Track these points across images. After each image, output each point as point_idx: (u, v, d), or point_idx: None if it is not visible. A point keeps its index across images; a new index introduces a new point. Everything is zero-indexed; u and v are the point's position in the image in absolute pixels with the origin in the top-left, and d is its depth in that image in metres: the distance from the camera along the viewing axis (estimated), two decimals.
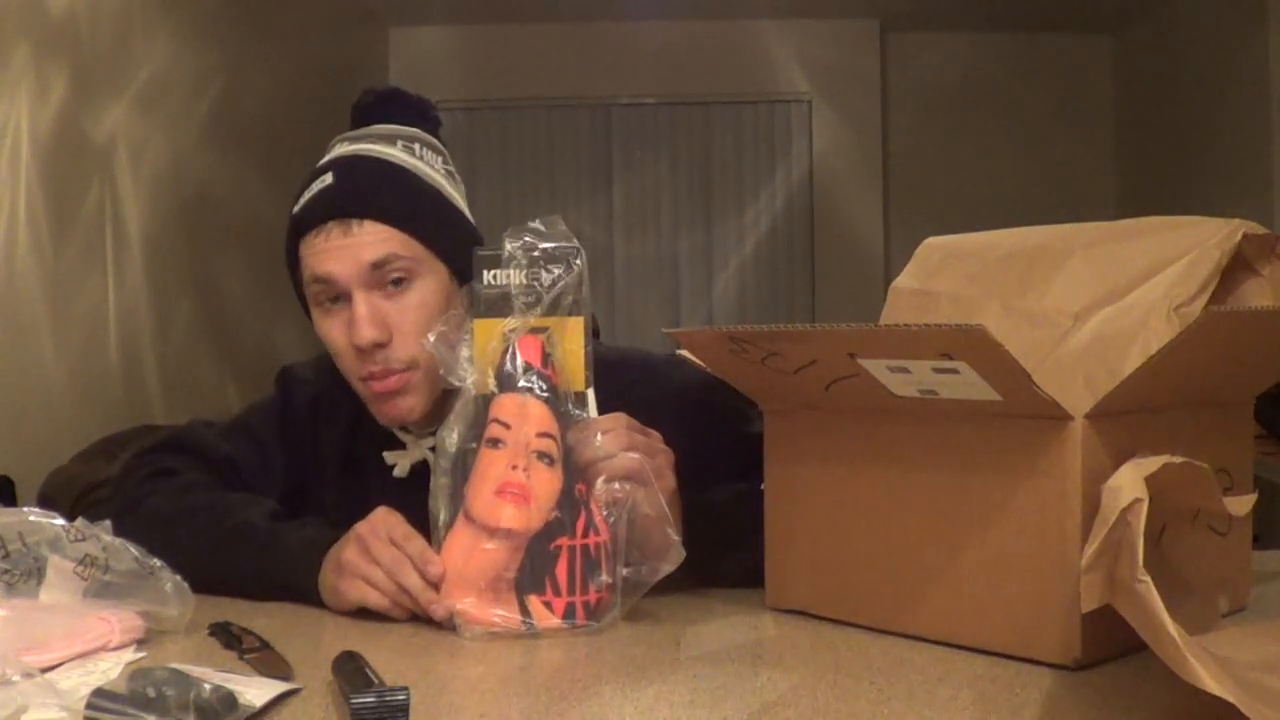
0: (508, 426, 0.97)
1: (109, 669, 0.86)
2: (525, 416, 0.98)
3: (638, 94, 5.30)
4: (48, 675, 0.81)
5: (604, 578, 0.97)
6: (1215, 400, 0.95)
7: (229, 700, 0.73)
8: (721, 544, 1.05)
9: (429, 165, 1.15)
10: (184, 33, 3.31)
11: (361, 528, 1.02)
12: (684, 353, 1.03)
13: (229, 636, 0.94)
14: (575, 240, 1.01)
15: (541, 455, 0.97)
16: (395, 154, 1.14)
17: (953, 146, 5.46)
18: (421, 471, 1.16)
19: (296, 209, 1.13)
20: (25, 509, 0.98)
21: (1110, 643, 0.83)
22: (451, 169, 1.19)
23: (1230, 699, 0.62)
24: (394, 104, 1.18)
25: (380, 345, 1.08)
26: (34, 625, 0.88)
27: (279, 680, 0.81)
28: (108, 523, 0.99)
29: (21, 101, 2.52)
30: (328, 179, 1.11)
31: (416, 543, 0.99)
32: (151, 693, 0.72)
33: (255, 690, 0.77)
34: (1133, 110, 5.36)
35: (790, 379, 0.94)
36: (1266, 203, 3.99)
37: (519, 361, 0.98)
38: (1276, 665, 0.74)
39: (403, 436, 1.20)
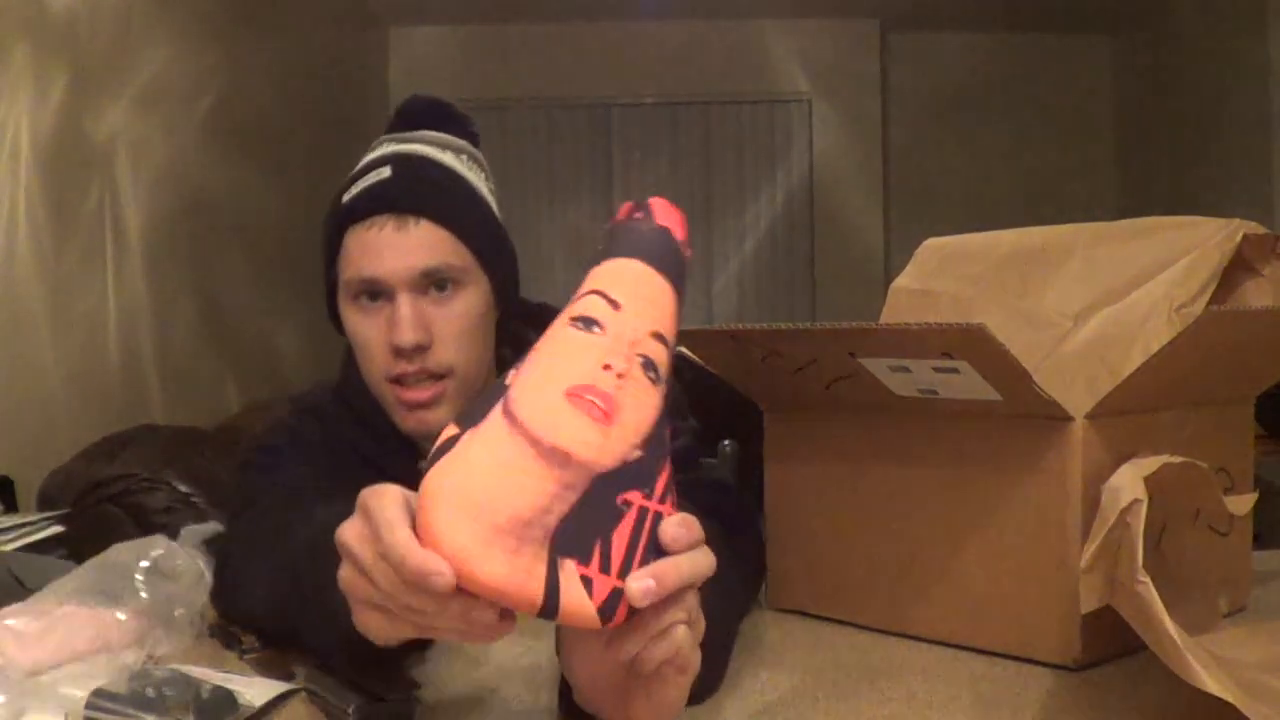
0: (615, 305, 0.67)
1: (109, 669, 0.86)
2: (642, 298, 0.68)
3: (638, 94, 5.30)
4: (48, 675, 0.81)
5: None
6: (1215, 400, 0.95)
7: (229, 700, 0.73)
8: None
9: (477, 178, 1.14)
10: (184, 33, 3.31)
11: (346, 532, 0.65)
12: (684, 350, 1.03)
13: (229, 636, 0.94)
14: None
15: (648, 365, 0.66)
16: (450, 161, 1.12)
17: (953, 146, 5.46)
18: None
19: (348, 198, 1.08)
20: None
21: (1110, 643, 0.83)
22: (492, 186, 1.16)
23: (1230, 699, 0.62)
24: (441, 113, 1.15)
25: (421, 348, 1.04)
26: (36, 626, 0.88)
27: (279, 680, 0.81)
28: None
29: (21, 101, 2.52)
30: (385, 172, 1.08)
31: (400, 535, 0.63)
32: (151, 693, 0.72)
33: (255, 690, 0.77)
34: (1133, 110, 5.36)
35: (790, 378, 0.94)
36: (1266, 203, 3.99)
37: (651, 223, 0.70)
38: (1276, 665, 0.74)
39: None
